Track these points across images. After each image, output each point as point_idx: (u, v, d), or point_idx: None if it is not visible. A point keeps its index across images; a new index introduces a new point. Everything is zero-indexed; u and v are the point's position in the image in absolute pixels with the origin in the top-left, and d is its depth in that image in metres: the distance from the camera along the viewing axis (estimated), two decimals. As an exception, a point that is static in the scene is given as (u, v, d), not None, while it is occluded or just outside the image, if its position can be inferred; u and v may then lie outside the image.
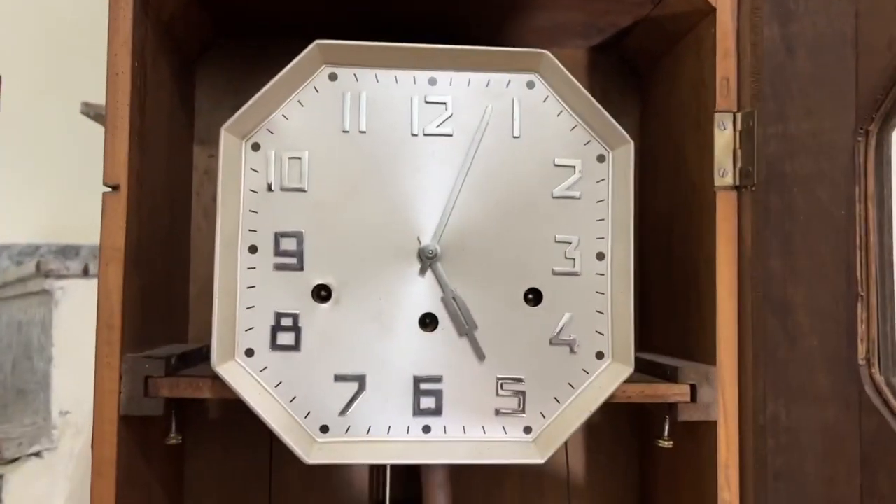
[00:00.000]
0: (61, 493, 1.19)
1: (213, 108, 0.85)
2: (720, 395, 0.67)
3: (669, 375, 0.67)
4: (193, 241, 0.85)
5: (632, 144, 0.64)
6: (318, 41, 0.62)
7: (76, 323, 1.24)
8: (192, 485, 0.82)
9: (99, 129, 0.62)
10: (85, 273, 1.24)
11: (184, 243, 0.83)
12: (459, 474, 0.85)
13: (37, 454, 1.19)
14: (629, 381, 0.64)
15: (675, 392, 0.66)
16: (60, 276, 1.25)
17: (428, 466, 0.70)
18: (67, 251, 1.96)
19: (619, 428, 0.86)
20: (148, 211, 0.69)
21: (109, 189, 0.64)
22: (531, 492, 0.86)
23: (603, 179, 0.64)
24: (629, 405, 0.85)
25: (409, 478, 0.76)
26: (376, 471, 0.83)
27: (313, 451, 0.61)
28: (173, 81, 0.77)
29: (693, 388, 0.66)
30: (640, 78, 0.88)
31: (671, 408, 0.67)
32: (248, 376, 0.61)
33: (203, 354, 0.75)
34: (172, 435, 0.67)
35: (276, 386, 0.62)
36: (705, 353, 0.69)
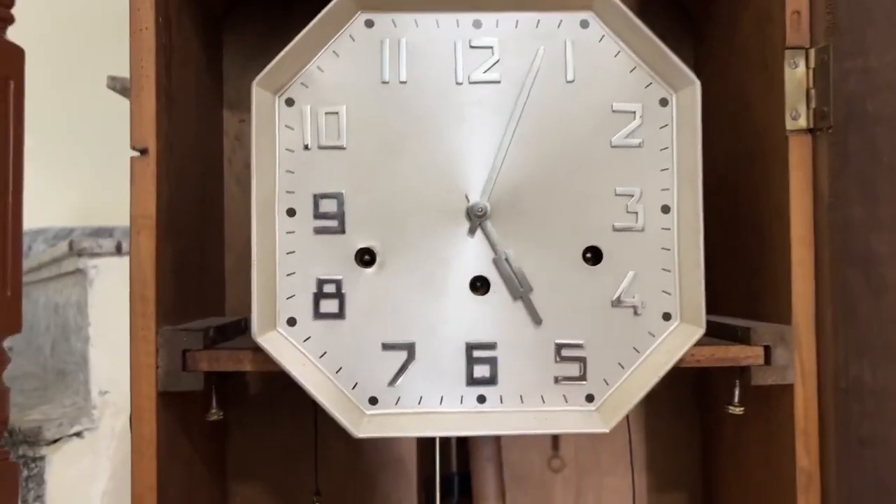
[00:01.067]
0: (103, 472, 1.18)
1: (242, 71, 0.81)
2: (796, 357, 0.62)
3: (741, 337, 0.62)
4: (227, 210, 0.81)
5: (698, 85, 0.58)
6: (352, -16, 0.57)
7: (111, 301, 1.22)
8: (234, 462, 0.79)
9: (127, 108, 0.59)
10: (118, 251, 1.22)
11: (217, 212, 0.79)
12: (513, 444, 0.81)
13: (78, 434, 1.18)
14: (697, 343, 0.59)
15: (748, 354, 0.61)
16: (94, 255, 1.23)
17: (476, 439, 0.66)
18: (101, 232, 1.95)
19: (679, 397, 0.82)
20: (178, 177, 0.66)
21: (137, 153, 0.60)
22: (587, 463, 0.82)
23: (666, 125, 0.59)
24: (690, 372, 0.81)
25: (461, 452, 0.73)
26: (426, 445, 0.79)
27: (362, 424, 0.57)
28: (199, 41, 0.73)
29: (767, 350, 0.61)
30: (693, 19, 0.82)
31: (743, 371, 0.62)
32: (291, 347, 0.58)
33: (242, 327, 0.72)
34: (213, 410, 0.64)
35: (321, 356, 0.58)
36: (778, 313, 0.64)
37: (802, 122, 0.62)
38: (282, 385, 0.80)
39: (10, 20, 1.06)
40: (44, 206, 2.01)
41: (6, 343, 1.05)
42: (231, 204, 0.81)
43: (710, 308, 0.65)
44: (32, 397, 1.49)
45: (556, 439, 0.82)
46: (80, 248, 1.23)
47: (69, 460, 1.17)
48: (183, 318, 0.65)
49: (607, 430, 0.58)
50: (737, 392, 0.65)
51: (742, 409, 0.65)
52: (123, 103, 0.58)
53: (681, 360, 0.59)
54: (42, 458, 1.16)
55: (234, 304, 0.80)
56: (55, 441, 1.16)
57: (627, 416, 0.75)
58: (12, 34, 1.06)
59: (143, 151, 0.60)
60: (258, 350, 0.59)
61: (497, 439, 0.66)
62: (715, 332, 0.67)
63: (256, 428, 0.79)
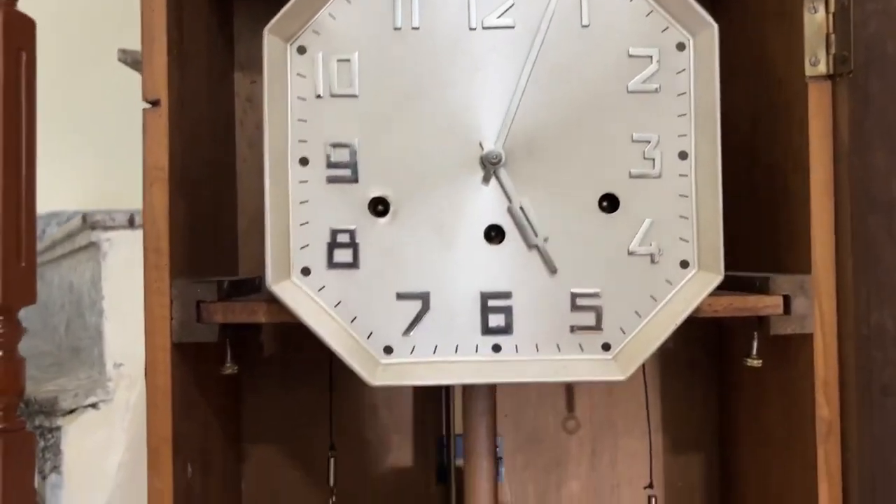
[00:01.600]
0: (119, 444, 1.19)
1: (253, 34, 0.81)
2: (816, 306, 0.61)
3: (759, 286, 0.62)
4: (239, 173, 0.81)
5: (715, 28, 0.57)
6: (364, -71, 0.56)
7: (125, 274, 1.22)
8: (249, 420, 0.79)
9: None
10: (131, 224, 1.22)
11: (229, 174, 0.79)
12: (527, 404, 0.81)
13: (93, 406, 1.18)
14: (715, 294, 0.59)
15: (767, 304, 0.60)
16: (107, 228, 1.23)
17: (472, 394, 0.65)
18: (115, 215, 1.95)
19: (695, 357, 0.81)
20: (191, 134, 0.65)
21: (149, 105, 0.60)
22: (602, 422, 0.81)
23: (684, 70, 0.58)
24: (707, 331, 0.80)
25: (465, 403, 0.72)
26: (438, 404, 0.79)
27: (377, 373, 0.57)
28: (209, 2, 0.72)
29: (786, 300, 0.60)
30: (709, -25, 0.80)
31: (761, 322, 0.62)
32: (306, 296, 0.57)
33: (256, 285, 0.71)
34: (228, 364, 0.64)
35: (336, 306, 0.58)
36: (798, 263, 0.63)
37: (822, 68, 0.61)
38: (295, 345, 0.80)
39: (21, -9, 1.06)
40: (57, 191, 2.02)
41: (20, 315, 1.06)
42: (243, 166, 0.81)
43: (729, 264, 0.64)
44: (48, 372, 1.50)
45: (570, 400, 0.82)
46: (93, 221, 1.23)
47: (85, 431, 1.18)
48: (196, 276, 0.65)
49: (623, 379, 0.57)
50: (755, 344, 0.64)
51: (760, 361, 0.64)
52: (137, 88, 0.58)
53: (698, 309, 0.58)
54: (58, 428, 1.17)
55: (247, 266, 0.80)
56: (71, 412, 1.17)
57: (644, 376, 0.75)
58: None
59: (155, 103, 0.60)
60: (273, 302, 0.58)
61: (493, 395, 0.65)
62: (733, 286, 0.66)
63: (271, 387, 0.79)
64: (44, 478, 1.17)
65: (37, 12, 1.07)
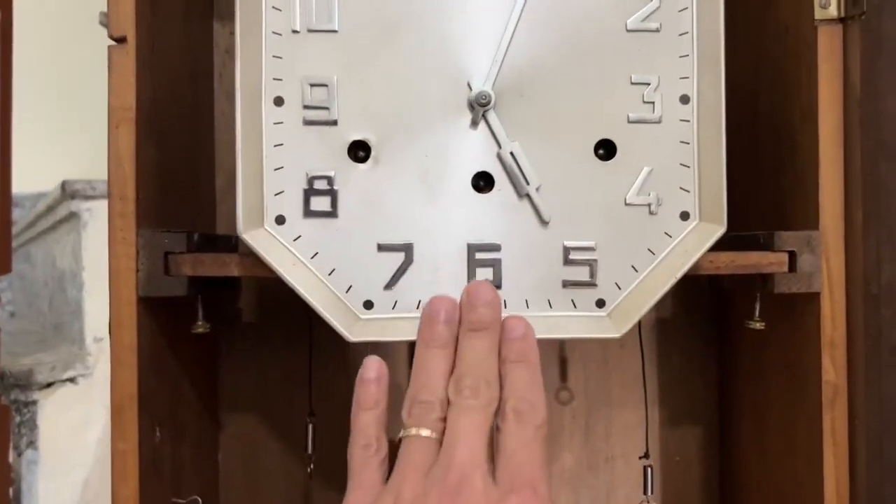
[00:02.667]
0: (98, 419, 1.15)
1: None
2: (824, 263, 0.57)
3: (763, 243, 0.58)
4: (217, 127, 0.77)
5: (720, -38, 0.53)
6: None
7: (105, 245, 1.19)
8: (225, 385, 0.75)
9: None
10: (111, 193, 1.18)
11: (207, 127, 0.75)
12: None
13: (71, 380, 1.15)
14: (716, 250, 0.55)
15: (771, 261, 0.57)
16: (87, 197, 1.19)
17: None
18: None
19: (695, 325, 0.77)
20: (165, 75, 0.61)
21: (115, 43, 0.56)
22: (597, 393, 0.78)
23: (686, 8, 0.54)
24: (706, 294, 0.77)
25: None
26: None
27: (356, 329, 0.53)
28: (185, -62, 0.68)
29: (792, 256, 0.57)
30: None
31: (765, 280, 0.58)
32: (280, 246, 0.54)
33: (232, 244, 0.68)
34: (200, 322, 0.60)
35: (313, 257, 0.54)
36: (805, 218, 0.59)
37: (833, 11, 0.57)
38: (273, 307, 0.76)
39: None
40: (42, 172, 1.98)
41: (4, 310, 1.02)
42: (221, 121, 0.77)
43: (732, 224, 0.61)
44: (31, 348, 1.46)
45: (563, 370, 0.79)
46: (72, 191, 1.19)
47: (62, 406, 1.15)
48: (170, 226, 0.61)
49: (618, 336, 0.54)
50: (758, 305, 0.61)
51: (763, 323, 0.61)
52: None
53: (698, 265, 0.55)
54: (34, 402, 1.14)
55: (226, 225, 0.76)
56: (48, 386, 1.14)
57: (641, 345, 0.72)
58: None
59: (121, 40, 0.56)
60: (246, 255, 0.55)
61: None
62: (736, 246, 0.62)
63: (248, 351, 0.75)
64: (19, 454, 1.13)
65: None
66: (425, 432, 0.45)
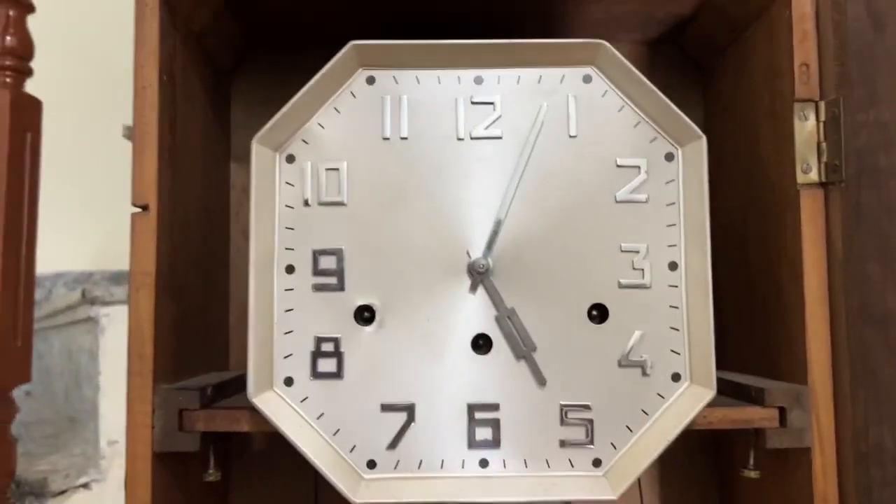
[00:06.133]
0: (110, 525, 1.17)
1: (250, 123, 0.81)
2: (814, 419, 0.59)
3: (755, 397, 0.60)
4: (233, 263, 0.81)
5: (703, 140, 0.57)
6: (353, 42, 0.57)
7: (123, 350, 1.22)
8: (235, 522, 0.77)
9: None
10: (130, 299, 1.22)
11: (222, 266, 0.79)
12: None
13: (85, 486, 1.17)
14: (709, 403, 0.57)
15: (763, 416, 0.59)
16: (106, 303, 1.23)
17: None
18: (120, 277, 1.96)
19: (694, 457, 0.79)
20: (182, 232, 0.65)
21: (139, 210, 0.60)
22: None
23: (672, 180, 0.58)
24: (705, 432, 0.78)
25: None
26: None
27: (360, 489, 0.55)
28: (206, 96, 0.73)
29: (782, 412, 0.59)
30: (702, 71, 0.81)
31: (758, 434, 0.60)
32: (288, 407, 0.56)
33: (243, 382, 0.70)
34: (210, 472, 0.63)
35: (318, 417, 0.56)
36: (794, 372, 0.61)
37: (814, 176, 0.61)
38: (282, 444, 0.78)
39: (29, 73, 1.08)
40: (63, 251, 2.03)
41: (20, 390, 1.05)
42: (237, 256, 0.81)
43: (723, 363, 0.63)
44: (42, 445, 1.48)
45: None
46: (92, 297, 1.23)
47: (76, 512, 1.16)
48: (183, 375, 0.64)
49: (615, 498, 0.55)
50: (752, 455, 0.62)
51: (758, 472, 0.62)
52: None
53: (692, 423, 0.57)
54: (48, 510, 1.15)
55: (238, 357, 0.79)
56: (62, 493, 1.15)
57: (640, 482, 0.73)
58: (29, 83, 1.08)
59: (145, 208, 0.60)
60: (256, 409, 0.57)
61: None
62: (728, 391, 0.64)
63: (257, 487, 0.77)
64: (32, 560, 1.14)
65: (48, 74, 1.09)
66: None
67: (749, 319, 0.70)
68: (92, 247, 2.32)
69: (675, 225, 0.58)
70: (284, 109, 0.56)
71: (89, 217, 2.25)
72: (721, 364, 0.55)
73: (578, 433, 0.57)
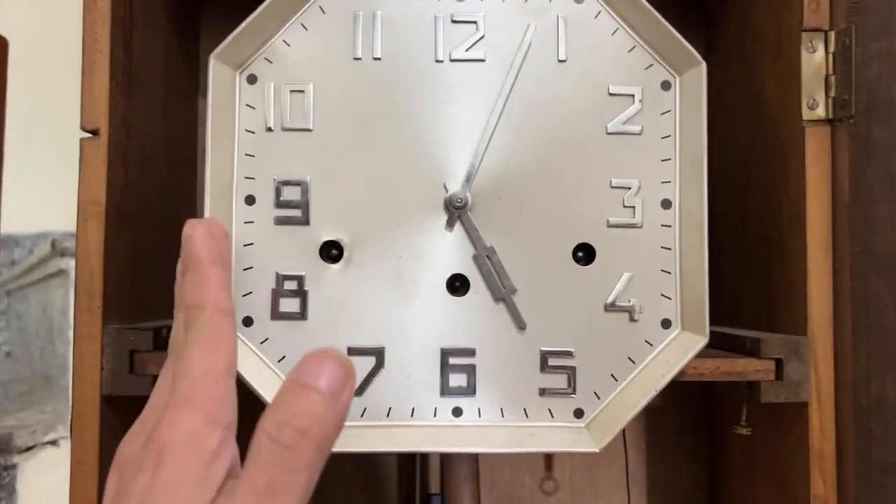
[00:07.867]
0: (79, 482, 1.13)
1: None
2: (812, 372, 0.55)
3: (749, 348, 0.56)
4: (199, 205, 0.76)
5: (703, 66, 0.52)
6: (322, -49, 0.52)
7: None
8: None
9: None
10: (102, 251, 1.17)
11: (187, 205, 0.74)
12: (502, 463, 0.75)
13: (53, 443, 1.13)
14: (701, 355, 0.53)
15: (757, 368, 0.55)
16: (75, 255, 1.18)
17: (451, 457, 0.60)
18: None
19: (685, 410, 0.75)
20: (139, 164, 0.60)
21: (88, 135, 0.55)
22: (582, 484, 0.75)
23: (669, 111, 0.53)
24: (696, 384, 0.74)
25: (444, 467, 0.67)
26: (406, 462, 0.73)
27: (323, 438, 0.51)
28: (169, 21, 0.68)
29: (779, 363, 0.55)
30: (704, 11, 0.76)
31: (751, 387, 0.56)
32: (247, 349, 0.52)
33: (207, 329, 0.66)
34: (166, 419, 0.58)
35: (280, 361, 0.52)
36: (792, 323, 0.57)
37: (821, 112, 0.56)
38: (247, 391, 0.74)
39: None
40: (48, 210, 1.98)
41: (0, 351, 1.01)
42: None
43: (718, 318, 0.59)
44: (17, 402, 1.44)
45: (548, 459, 0.76)
46: (62, 248, 1.18)
47: (43, 469, 1.12)
48: (142, 319, 0.60)
49: (597, 450, 0.52)
50: (744, 410, 0.58)
51: (750, 429, 0.58)
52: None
53: (681, 373, 0.53)
54: (14, 466, 1.11)
55: (205, 304, 0.74)
56: (28, 449, 1.11)
57: (624, 434, 0.69)
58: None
59: (94, 132, 0.55)
60: (214, 352, 0.53)
61: (475, 457, 0.60)
62: (721, 344, 0.60)
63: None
64: (-2, 518, 1.11)
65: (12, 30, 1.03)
66: None
67: (746, 269, 0.66)
68: (74, 206, 2.27)
69: (669, 159, 0.53)
70: (246, 22, 0.51)
71: (72, 176, 2.20)
72: (715, 319, 0.51)
73: (560, 381, 0.52)
